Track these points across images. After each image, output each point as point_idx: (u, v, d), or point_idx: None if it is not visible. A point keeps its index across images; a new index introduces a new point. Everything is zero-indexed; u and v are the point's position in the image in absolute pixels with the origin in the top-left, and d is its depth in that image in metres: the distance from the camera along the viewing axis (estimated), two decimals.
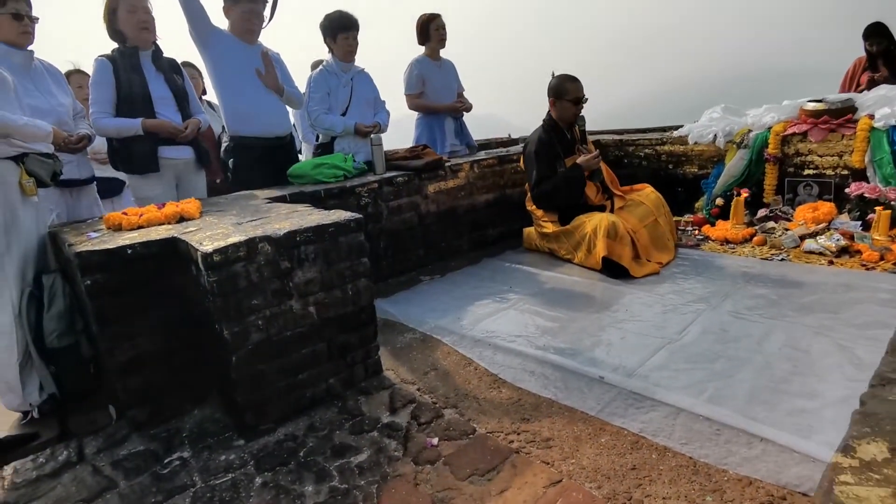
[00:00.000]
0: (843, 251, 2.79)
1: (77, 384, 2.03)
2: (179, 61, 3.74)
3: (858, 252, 2.75)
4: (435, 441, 1.58)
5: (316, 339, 1.78)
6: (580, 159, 3.06)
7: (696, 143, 3.64)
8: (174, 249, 1.74)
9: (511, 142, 6.46)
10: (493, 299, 2.62)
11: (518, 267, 3.04)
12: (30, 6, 2.31)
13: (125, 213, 1.97)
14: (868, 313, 2.10)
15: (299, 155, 4.16)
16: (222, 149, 3.17)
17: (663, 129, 5.40)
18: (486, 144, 6.16)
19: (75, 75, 3.36)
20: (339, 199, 2.74)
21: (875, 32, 4.03)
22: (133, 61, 2.55)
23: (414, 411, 1.75)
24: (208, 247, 1.54)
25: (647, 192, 3.20)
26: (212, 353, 1.77)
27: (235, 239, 1.58)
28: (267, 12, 2.98)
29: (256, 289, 1.62)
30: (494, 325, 2.31)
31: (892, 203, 2.86)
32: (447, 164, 3.23)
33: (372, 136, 3.05)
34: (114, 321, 1.69)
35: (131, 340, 1.73)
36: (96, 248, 1.66)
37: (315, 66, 4.40)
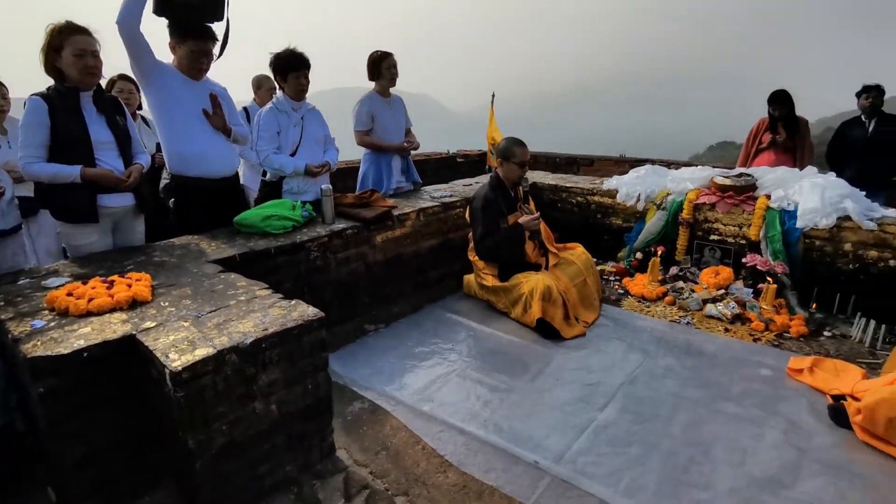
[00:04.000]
0: (736, 318, 3.24)
1: (12, 465, 1.97)
2: (116, 74, 3.51)
3: (749, 320, 3.21)
4: None
5: (276, 434, 1.86)
6: (522, 219, 3.26)
7: (623, 200, 3.98)
8: (132, 348, 1.73)
9: (450, 158, 6.60)
10: (436, 359, 2.79)
11: (459, 319, 3.23)
12: None
13: (71, 295, 1.90)
14: (752, 392, 2.51)
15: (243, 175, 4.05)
16: (161, 186, 3.04)
17: (605, 160, 5.78)
18: (426, 160, 6.27)
19: None
20: (289, 255, 2.76)
21: (777, 99, 4.58)
22: (72, 102, 2.36)
23: (368, 499, 1.89)
24: (176, 363, 1.56)
25: (578, 253, 3.48)
26: (170, 450, 1.79)
27: (203, 352, 1.61)
28: (216, 50, 2.88)
29: (222, 397, 1.67)
30: (439, 394, 2.49)
31: (779, 276, 3.34)
32: (395, 212, 3.32)
33: (322, 186, 3.06)
34: (66, 422, 1.67)
35: (84, 437, 1.72)
36: (49, 352, 1.62)
37: (256, 82, 4.27)
